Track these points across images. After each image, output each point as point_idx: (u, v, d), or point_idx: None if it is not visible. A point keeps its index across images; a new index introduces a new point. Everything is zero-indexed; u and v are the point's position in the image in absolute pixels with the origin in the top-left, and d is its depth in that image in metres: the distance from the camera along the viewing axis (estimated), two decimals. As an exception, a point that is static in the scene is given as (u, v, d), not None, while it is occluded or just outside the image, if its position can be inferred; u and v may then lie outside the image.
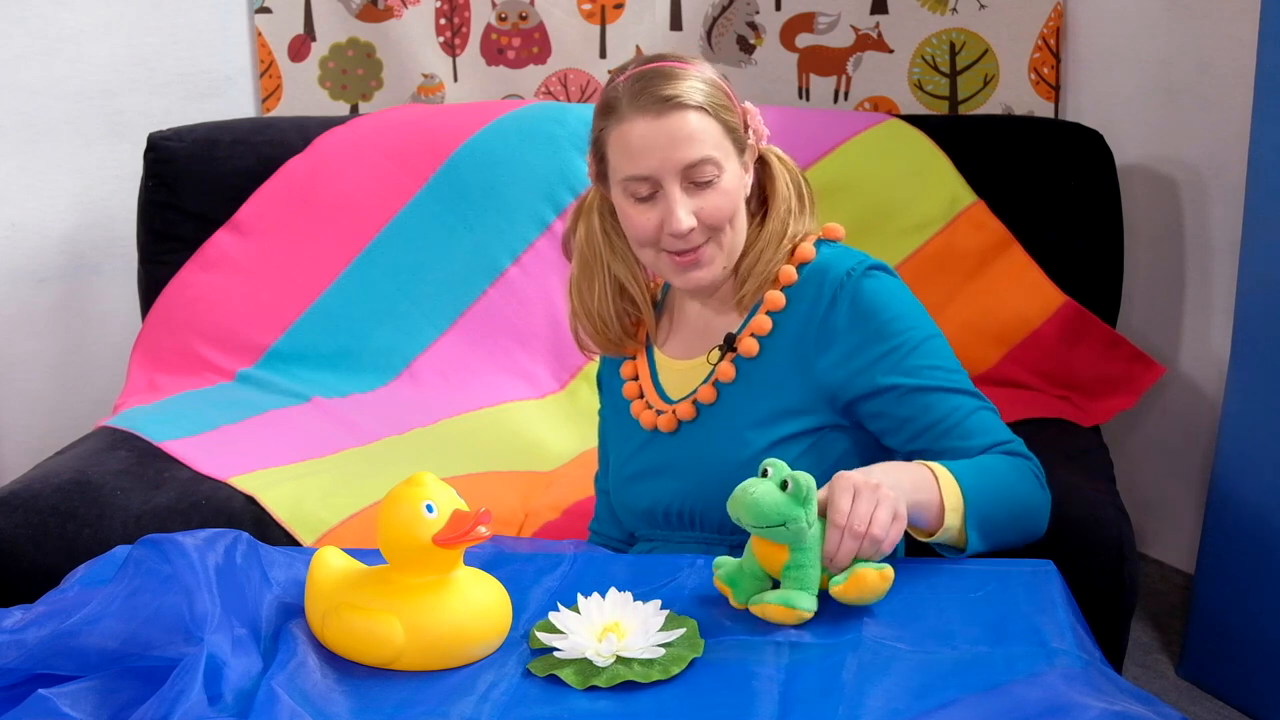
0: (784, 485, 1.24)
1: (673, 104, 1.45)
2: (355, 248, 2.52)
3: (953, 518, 1.36)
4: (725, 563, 1.31)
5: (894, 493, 1.28)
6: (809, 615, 1.24)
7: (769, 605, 1.25)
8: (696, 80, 1.47)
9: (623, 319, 1.61)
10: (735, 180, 1.49)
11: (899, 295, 1.50)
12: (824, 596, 1.27)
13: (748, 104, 1.54)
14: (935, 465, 1.38)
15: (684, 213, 1.46)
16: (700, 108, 1.46)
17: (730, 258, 1.52)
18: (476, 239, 2.50)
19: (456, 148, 2.52)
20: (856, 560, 1.26)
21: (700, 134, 1.45)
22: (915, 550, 1.46)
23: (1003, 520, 1.40)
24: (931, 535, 1.37)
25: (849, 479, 1.28)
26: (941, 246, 2.39)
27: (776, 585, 1.28)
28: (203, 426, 2.25)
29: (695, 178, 1.46)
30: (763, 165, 1.57)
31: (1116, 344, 2.34)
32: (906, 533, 1.38)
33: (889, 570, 1.25)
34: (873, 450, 1.50)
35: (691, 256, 1.49)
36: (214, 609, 1.16)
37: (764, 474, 1.26)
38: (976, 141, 2.44)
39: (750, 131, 1.53)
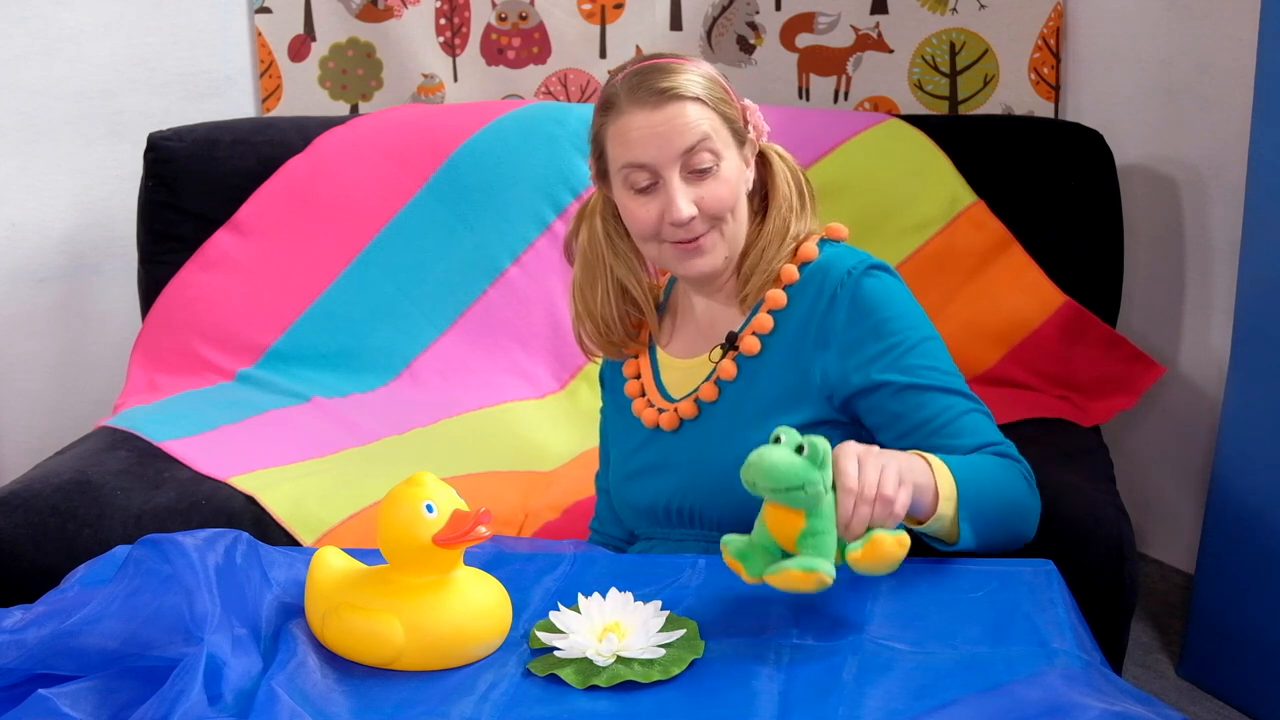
0: (799, 450, 1.21)
1: (669, 95, 1.46)
2: (355, 248, 2.52)
3: (946, 506, 1.35)
4: (734, 540, 1.26)
5: (895, 462, 1.27)
6: (830, 580, 1.20)
7: (790, 571, 1.19)
8: (694, 74, 1.48)
9: (625, 321, 1.61)
10: (735, 170, 1.50)
11: (898, 295, 1.50)
12: (838, 570, 1.23)
13: (747, 101, 1.54)
14: (929, 455, 1.38)
15: (684, 201, 1.46)
16: (697, 99, 1.47)
17: (731, 247, 1.52)
18: (476, 239, 2.50)
19: (456, 148, 2.52)
20: (870, 528, 1.24)
21: (697, 123, 1.46)
22: (912, 551, 1.46)
23: (993, 516, 1.39)
24: (922, 523, 1.37)
25: (851, 447, 1.26)
26: (941, 246, 2.39)
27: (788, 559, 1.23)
28: (203, 426, 2.24)
29: (694, 165, 1.46)
30: (763, 163, 1.57)
31: (1116, 344, 2.34)
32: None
33: (905, 537, 1.22)
34: (870, 447, 1.50)
35: (693, 244, 1.49)
36: (214, 609, 1.16)
37: (776, 441, 1.23)
38: (976, 141, 2.44)
39: (750, 127, 1.53)
